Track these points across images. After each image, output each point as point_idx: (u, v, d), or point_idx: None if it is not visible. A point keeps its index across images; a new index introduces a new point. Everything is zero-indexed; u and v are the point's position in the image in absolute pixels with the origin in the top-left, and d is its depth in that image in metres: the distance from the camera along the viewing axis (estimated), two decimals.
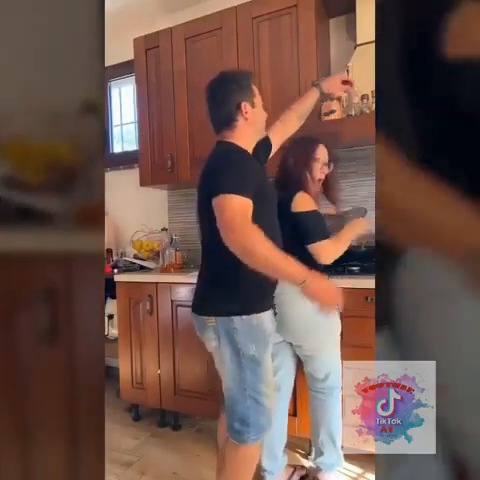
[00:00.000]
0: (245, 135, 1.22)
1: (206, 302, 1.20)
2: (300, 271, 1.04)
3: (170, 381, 2.01)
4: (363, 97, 1.71)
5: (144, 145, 2.35)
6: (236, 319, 1.13)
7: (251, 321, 1.14)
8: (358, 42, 1.86)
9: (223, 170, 1.10)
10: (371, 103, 1.69)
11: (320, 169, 1.47)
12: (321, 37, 1.97)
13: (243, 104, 1.19)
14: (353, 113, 1.75)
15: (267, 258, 1.01)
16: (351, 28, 2.00)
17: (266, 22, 1.96)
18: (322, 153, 1.47)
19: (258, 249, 1.00)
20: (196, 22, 2.15)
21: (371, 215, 2.01)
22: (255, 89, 1.25)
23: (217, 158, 1.17)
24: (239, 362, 1.14)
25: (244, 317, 1.13)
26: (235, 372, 1.16)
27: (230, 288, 1.15)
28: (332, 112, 1.75)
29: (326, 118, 1.76)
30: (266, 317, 1.19)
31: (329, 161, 1.50)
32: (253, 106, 1.22)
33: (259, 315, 1.16)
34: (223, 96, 1.20)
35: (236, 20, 2.03)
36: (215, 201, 1.06)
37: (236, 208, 1.03)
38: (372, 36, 1.65)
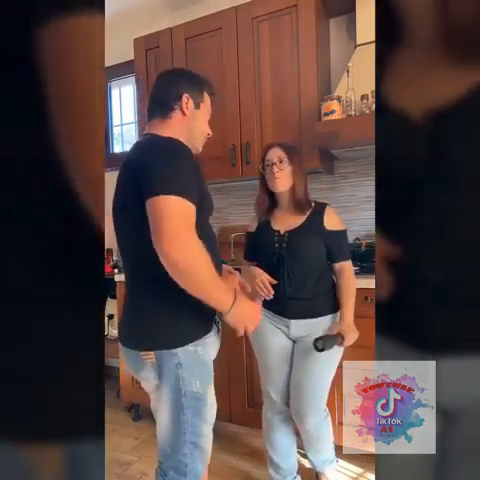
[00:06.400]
0: (178, 131, 1.03)
1: (143, 333, 0.98)
2: (229, 298, 0.92)
3: None
4: (363, 97, 1.71)
5: None
6: (181, 351, 0.95)
7: (197, 352, 0.97)
8: (358, 42, 1.86)
9: (164, 166, 0.90)
10: (371, 103, 1.69)
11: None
12: (321, 37, 1.97)
13: (185, 96, 1.04)
14: (353, 113, 1.76)
15: (202, 279, 0.87)
16: (351, 28, 2.00)
17: (266, 22, 1.97)
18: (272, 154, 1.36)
19: (196, 267, 0.85)
20: (196, 22, 2.15)
21: (371, 215, 2.01)
22: (207, 98, 1.10)
23: (154, 151, 0.95)
24: (180, 402, 0.97)
25: (190, 348, 0.96)
26: (174, 414, 0.98)
27: (174, 313, 0.96)
28: (332, 112, 1.75)
29: (326, 118, 1.76)
30: (211, 340, 1.03)
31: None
32: (197, 107, 1.06)
33: (205, 340, 1.00)
34: (167, 84, 1.07)
35: (236, 20, 2.03)
36: (152, 203, 0.86)
37: (180, 213, 0.86)
38: (372, 36, 1.66)
